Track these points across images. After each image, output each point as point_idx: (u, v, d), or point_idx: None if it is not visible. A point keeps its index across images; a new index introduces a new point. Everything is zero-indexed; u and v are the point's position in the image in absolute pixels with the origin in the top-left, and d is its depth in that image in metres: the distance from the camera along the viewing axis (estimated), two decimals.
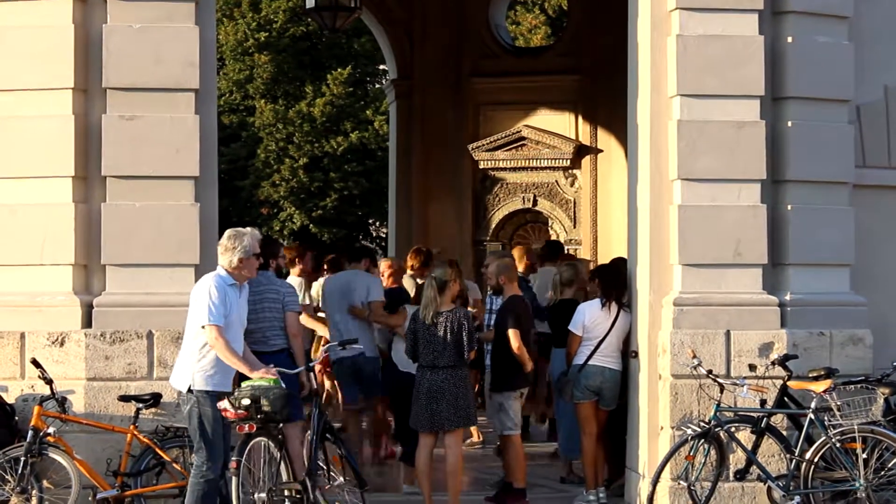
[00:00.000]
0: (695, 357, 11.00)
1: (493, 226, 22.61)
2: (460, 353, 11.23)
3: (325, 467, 10.69)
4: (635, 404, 11.71)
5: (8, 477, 10.38)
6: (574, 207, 22.29)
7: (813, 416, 10.85)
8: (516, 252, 15.14)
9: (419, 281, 13.48)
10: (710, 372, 10.97)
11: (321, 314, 14.31)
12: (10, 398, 10.82)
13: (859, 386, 11.14)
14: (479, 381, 14.73)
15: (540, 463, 13.80)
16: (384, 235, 36.96)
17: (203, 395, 9.63)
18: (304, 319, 14.14)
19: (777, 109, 11.66)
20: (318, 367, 10.78)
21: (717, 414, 10.92)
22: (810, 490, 10.79)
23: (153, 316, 10.93)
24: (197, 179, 11.11)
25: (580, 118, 22.16)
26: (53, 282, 10.99)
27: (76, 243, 10.97)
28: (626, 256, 12.51)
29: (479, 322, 13.16)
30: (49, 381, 10.57)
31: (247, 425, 9.48)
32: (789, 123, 11.61)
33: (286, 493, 9.94)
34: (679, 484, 11.01)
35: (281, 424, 9.95)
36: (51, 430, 10.45)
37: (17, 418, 10.74)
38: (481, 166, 22.57)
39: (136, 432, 10.64)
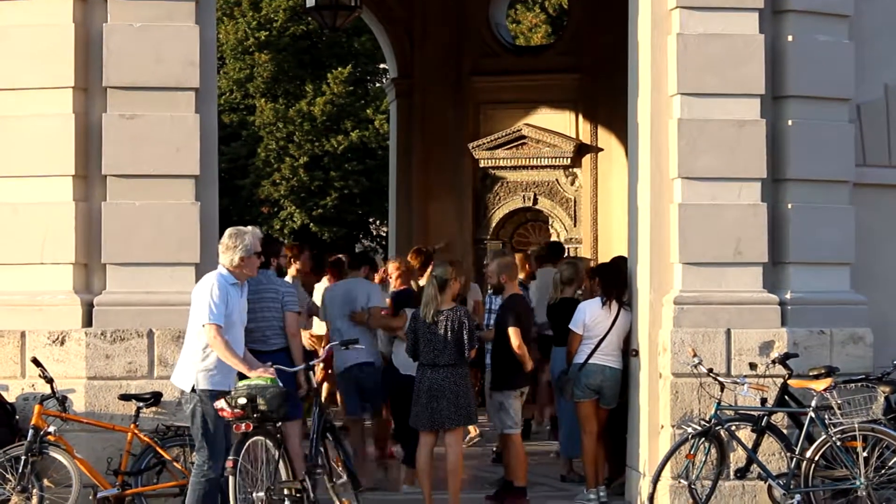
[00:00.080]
0: (695, 356, 11.00)
1: (494, 224, 22.62)
2: (461, 351, 11.23)
3: (325, 466, 10.69)
4: (636, 403, 11.71)
5: (8, 476, 10.38)
6: (574, 206, 22.30)
7: (813, 415, 10.85)
8: (517, 259, 15.12)
9: (421, 282, 13.47)
10: (710, 370, 10.97)
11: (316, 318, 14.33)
12: (10, 397, 10.83)
13: (860, 384, 11.14)
14: (478, 380, 14.73)
15: (540, 461, 13.79)
16: (384, 234, 36.96)
17: (206, 395, 9.63)
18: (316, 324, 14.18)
19: (777, 108, 11.66)
20: (319, 367, 10.74)
21: (718, 412, 10.93)
22: (811, 488, 10.80)
23: (154, 315, 10.93)
24: (197, 178, 11.11)
25: (580, 117, 22.17)
26: (54, 281, 10.99)
27: (77, 242, 10.97)
28: (626, 255, 12.51)
29: (478, 322, 13.16)
30: (50, 380, 10.57)
31: (243, 424, 9.47)
32: (790, 122, 11.61)
33: (285, 491, 9.92)
34: (680, 482, 11.01)
35: (280, 423, 9.94)
36: (51, 428, 10.45)
37: (17, 417, 10.74)
38: (482, 165, 22.57)
39: (136, 431, 10.65)
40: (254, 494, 9.65)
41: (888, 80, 12.49)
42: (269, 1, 36.68)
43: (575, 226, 22.22)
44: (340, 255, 15.92)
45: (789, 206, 11.59)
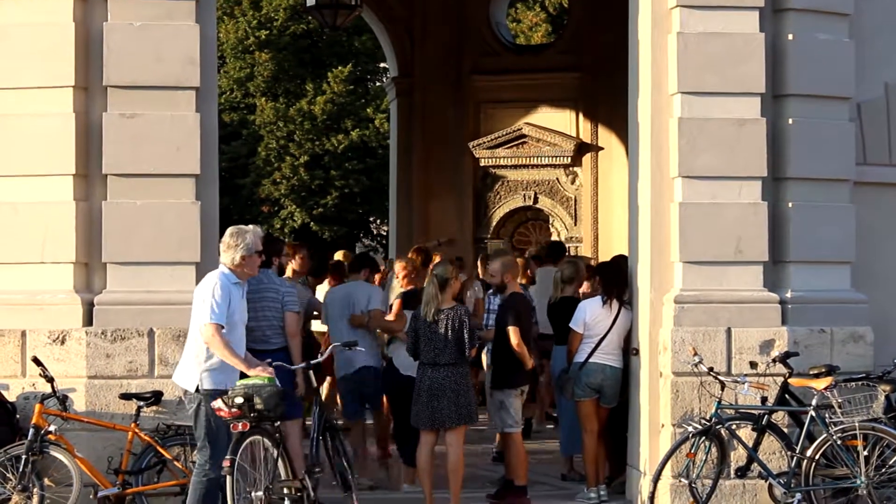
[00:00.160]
0: (696, 354, 11.00)
1: (494, 223, 22.64)
2: (461, 350, 11.23)
3: (324, 464, 10.69)
4: (636, 402, 11.71)
5: (9, 475, 10.38)
6: (575, 205, 22.31)
7: (814, 414, 10.85)
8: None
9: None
10: (711, 369, 10.97)
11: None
12: (11, 396, 10.82)
13: (860, 383, 11.14)
14: (476, 380, 14.72)
15: (541, 460, 13.79)
16: (385, 233, 36.97)
17: (209, 394, 9.62)
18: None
19: (778, 107, 11.65)
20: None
21: (718, 411, 10.92)
22: (811, 487, 10.79)
23: (154, 314, 10.93)
24: (198, 177, 11.11)
25: (581, 116, 22.19)
26: (54, 280, 10.99)
27: (77, 241, 10.97)
28: (626, 254, 12.51)
29: (478, 322, 13.15)
30: (50, 379, 10.57)
31: (240, 424, 9.47)
32: (790, 121, 11.61)
33: (285, 491, 9.91)
34: (680, 481, 11.01)
35: (278, 422, 9.94)
36: (52, 428, 10.45)
37: (18, 416, 10.74)
38: (482, 164, 22.59)
39: (137, 430, 10.65)
40: (252, 494, 9.64)
41: (888, 78, 12.48)
42: (269, 0, 36.68)
43: (575, 225, 22.23)
44: (340, 258, 15.90)
45: (790, 204, 11.59)
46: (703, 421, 10.92)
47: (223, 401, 9.50)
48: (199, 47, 11.09)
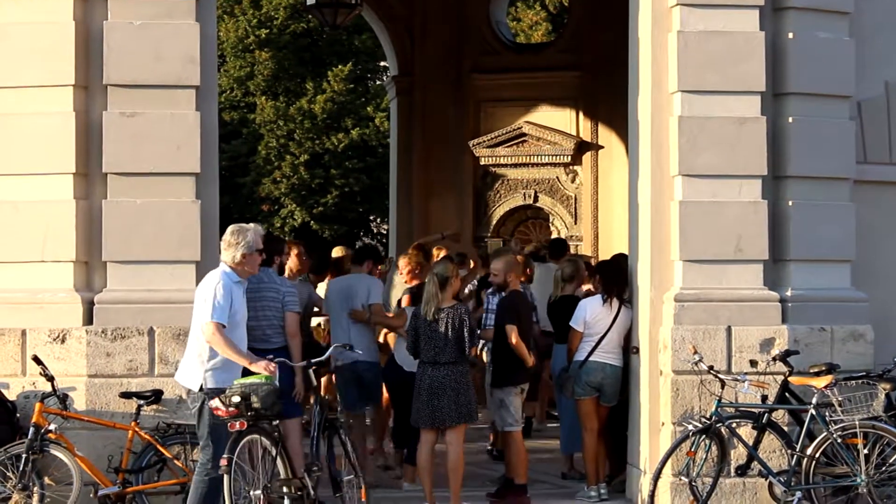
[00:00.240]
0: (696, 353, 11.00)
1: (494, 222, 22.62)
2: (461, 349, 11.23)
3: (324, 463, 10.67)
4: (636, 400, 11.71)
5: (9, 474, 10.38)
6: (575, 204, 22.30)
7: (814, 412, 10.85)
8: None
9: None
10: (711, 368, 10.97)
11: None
12: (11, 395, 10.82)
13: (860, 381, 11.14)
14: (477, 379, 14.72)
15: (541, 459, 13.79)
16: (385, 232, 36.98)
17: (213, 393, 9.62)
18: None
19: (778, 105, 11.66)
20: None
21: (719, 410, 10.92)
22: (811, 485, 10.80)
23: (154, 313, 10.93)
24: (198, 176, 11.11)
25: (581, 114, 22.18)
26: (54, 278, 10.99)
27: (77, 240, 10.97)
28: (627, 252, 12.51)
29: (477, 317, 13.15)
30: (50, 378, 10.57)
31: (237, 423, 9.47)
32: (790, 119, 11.61)
33: (284, 490, 9.90)
34: (680, 480, 11.01)
35: (276, 421, 9.93)
36: (52, 426, 10.44)
37: (18, 415, 10.74)
38: (482, 163, 22.58)
39: (137, 429, 10.65)
40: (251, 493, 9.63)
41: (889, 77, 12.48)
42: None
43: (575, 223, 22.23)
44: (338, 253, 15.88)
45: (790, 203, 11.59)
46: (703, 419, 10.92)
47: (220, 400, 9.50)
48: (199, 46, 11.09)
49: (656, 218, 11.55)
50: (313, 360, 10.80)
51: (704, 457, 10.94)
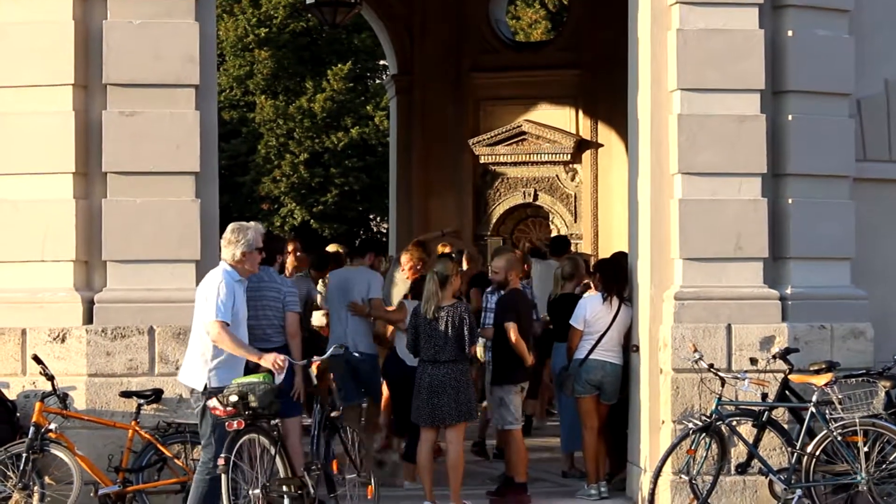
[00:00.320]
0: (696, 351, 11.00)
1: (494, 220, 22.62)
2: (461, 347, 11.24)
3: (324, 462, 10.67)
4: (636, 398, 11.71)
5: (10, 473, 10.38)
6: (575, 202, 22.30)
7: (814, 410, 10.85)
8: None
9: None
10: (711, 366, 10.97)
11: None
12: (11, 394, 10.83)
13: (860, 379, 11.14)
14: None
15: (541, 457, 13.79)
16: (385, 231, 36.98)
17: (217, 392, 9.61)
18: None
19: (777, 103, 11.66)
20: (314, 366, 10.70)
21: (719, 408, 10.92)
22: (812, 483, 10.79)
23: (154, 312, 10.93)
24: (197, 175, 11.11)
25: (580, 113, 22.17)
26: (54, 278, 10.99)
27: (77, 239, 10.97)
28: (626, 251, 12.51)
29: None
30: (50, 378, 10.57)
31: (235, 422, 9.46)
32: (790, 117, 11.61)
33: (284, 489, 9.89)
34: (680, 478, 11.01)
35: (276, 420, 9.92)
36: (52, 426, 10.44)
37: (18, 415, 10.74)
38: (482, 161, 22.57)
39: (137, 428, 10.65)
40: (250, 492, 9.63)
41: (888, 74, 12.48)
42: None
43: (575, 222, 22.22)
44: (338, 249, 15.90)
45: (790, 201, 11.59)
46: (703, 417, 10.92)
47: (218, 399, 9.50)
48: (198, 45, 11.08)
49: (656, 216, 11.55)
50: (313, 358, 10.80)
51: (705, 455, 10.93)
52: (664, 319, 11.42)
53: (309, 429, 10.99)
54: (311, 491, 10.25)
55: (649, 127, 11.61)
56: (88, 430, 10.75)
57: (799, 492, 10.78)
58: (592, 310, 12.01)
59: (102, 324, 10.93)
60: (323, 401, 10.86)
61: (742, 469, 11.15)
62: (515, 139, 22.41)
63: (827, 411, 10.80)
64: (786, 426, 11.12)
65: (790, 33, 11.62)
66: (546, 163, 22.42)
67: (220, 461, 9.34)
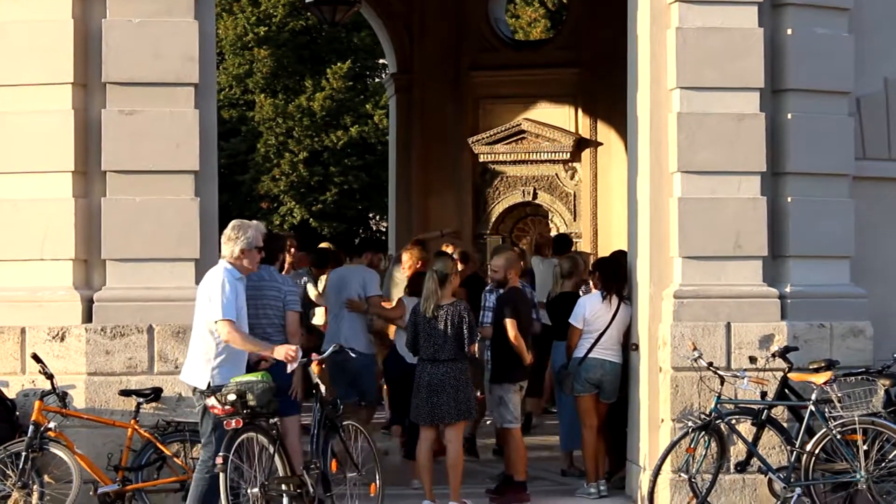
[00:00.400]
0: (695, 349, 11.01)
1: (494, 219, 22.61)
2: (461, 346, 11.24)
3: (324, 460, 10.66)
4: (636, 397, 11.72)
5: (9, 472, 10.38)
6: (574, 200, 22.29)
7: (813, 408, 10.85)
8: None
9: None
10: (710, 364, 10.97)
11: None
12: (10, 393, 10.83)
13: (860, 377, 11.15)
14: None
15: (541, 456, 13.79)
16: (384, 229, 36.98)
17: (218, 391, 9.61)
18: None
19: (777, 101, 11.66)
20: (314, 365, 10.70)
21: (718, 406, 10.92)
22: (811, 482, 10.79)
23: (154, 310, 10.93)
24: (197, 174, 11.11)
25: (580, 111, 22.16)
26: (54, 276, 10.99)
27: (76, 238, 10.97)
28: (626, 249, 12.51)
29: None
30: (50, 376, 10.57)
31: (233, 421, 9.46)
32: (789, 115, 11.61)
33: (283, 487, 9.89)
34: (680, 476, 11.02)
35: (275, 419, 9.92)
36: (52, 424, 10.45)
37: (17, 413, 10.74)
38: (481, 160, 22.56)
39: (136, 427, 10.65)
40: (248, 491, 9.62)
41: (888, 73, 12.49)
42: None
43: (574, 220, 22.22)
44: (330, 246, 15.95)
45: (789, 199, 11.59)
46: (702, 416, 10.93)
47: (216, 398, 9.50)
48: (197, 44, 11.08)
49: (655, 214, 11.55)
50: (312, 357, 10.79)
51: (704, 453, 10.94)
52: (663, 318, 11.43)
53: (308, 428, 10.99)
54: (311, 490, 10.24)
55: (648, 125, 11.61)
56: (88, 429, 10.75)
57: (798, 490, 10.78)
58: (592, 308, 12.01)
59: (102, 322, 10.93)
60: (323, 399, 10.85)
61: (741, 467, 11.15)
62: (515, 138, 22.40)
63: (826, 410, 10.80)
64: (785, 424, 11.12)
65: (789, 31, 11.62)
66: (545, 161, 22.41)
67: (218, 460, 9.34)
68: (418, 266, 13.25)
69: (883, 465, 10.73)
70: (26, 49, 11.02)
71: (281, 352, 9.74)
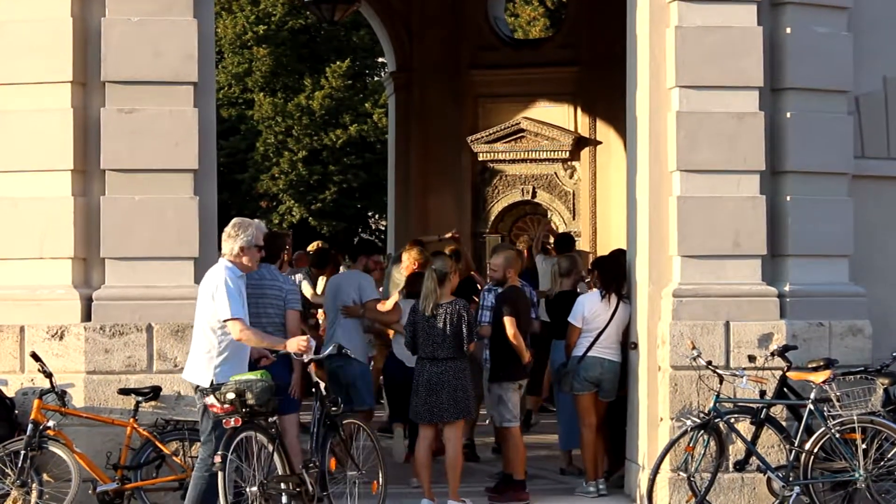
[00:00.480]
0: (694, 348, 11.01)
1: (493, 218, 22.62)
2: (460, 345, 11.24)
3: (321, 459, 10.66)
4: (635, 395, 11.72)
5: (8, 470, 10.38)
6: (573, 199, 22.30)
7: (812, 407, 10.85)
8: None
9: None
10: (709, 363, 10.98)
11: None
12: (9, 392, 10.82)
13: (859, 376, 11.16)
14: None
15: (540, 455, 13.79)
16: (383, 228, 36.98)
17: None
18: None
19: (776, 100, 11.66)
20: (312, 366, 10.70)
21: (717, 405, 10.93)
22: (810, 481, 10.80)
23: (152, 309, 10.93)
24: (196, 172, 11.11)
25: (579, 110, 22.17)
26: (53, 275, 10.99)
27: (75, 237, 10.97)
28: (625, 248, 12.51)
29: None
30: (49, 375, 10.57)
31: (233, 419, 9.46)
32: (788, 114, 11.61)
33: (282, 486, 9.89)
34: (679, 475, 11.02)
35: (274, 418, 9.91)
36: (51, 423, 10.45)
37: (16, 412, 10.74)
38: (480, 158, 22.57)
39: (135, 425, 10.64)
40: (247, 489, 9.62)
41: (887, 71, 12.48)
42: None
43: (574, 219, 22.23)
44: (314, 247, 15.95)
45: (788, 198, 11.60)
46: (701, 414, 10.93)
47: (216, 397, 9.50)
48: (196, 42, 11.08)
49: (654, 213, 11.55)
50: (312, 357, 10.78)
51: (703, 452, 10.94)
52: (662, 316, 11.43)
53: (307, 426, 11.00)
54: (310, 488, 10.23)
55: (648, 124, 11.61)
56: (87, 428, 10.75)
57: (797, 489, 10.79)
58: (591, 307, 12.01)
59: (101, 321, 10.92)
60: (323, 398, 10.84)
61: (740, 466, 11.15)
62: (514, 136, 22.41)
63: (825, 408, 10.80)
64: (784, 423, 11.12)
65: (788, 30, 11.62)
66: (544, 160, 22.42)
67: (217, 459, 9.33)
68: (415, 267, 13.24)
69: (882, 463, 10.74)
70: (25, 47, 11.02)
71: (293, 344, 9.80)
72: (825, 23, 11.77)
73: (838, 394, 10.80)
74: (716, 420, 10.91)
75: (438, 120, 22.29)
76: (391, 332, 13.36)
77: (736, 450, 11.18)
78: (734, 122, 11.42)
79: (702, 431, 10.87)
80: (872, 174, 12.27)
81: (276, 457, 9.83)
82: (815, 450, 10.78)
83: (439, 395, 11.23)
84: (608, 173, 21.57)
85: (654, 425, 11.42)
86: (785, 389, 11.13)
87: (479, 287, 13.70)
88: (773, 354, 11.14)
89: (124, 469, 10.61)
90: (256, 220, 10.14)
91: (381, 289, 14.56)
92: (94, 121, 11.05)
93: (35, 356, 10.61)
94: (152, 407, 10.79)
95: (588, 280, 14.09)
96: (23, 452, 10.36)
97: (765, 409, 11.03)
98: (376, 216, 39.96)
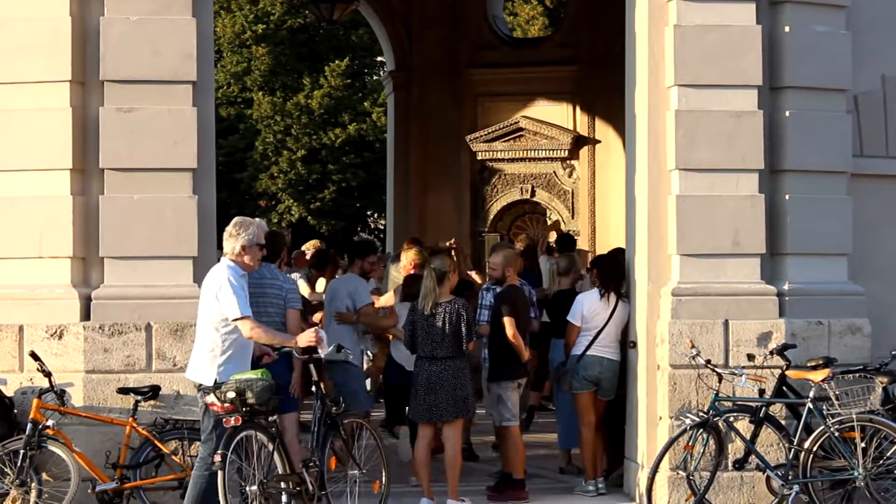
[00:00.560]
0: (693, 347, 11.01)
1: (492, 217, 22.63)
2: (459, 344, 11.23)
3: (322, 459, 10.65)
4: (634, 394, 11.71)
5: (7, 470, 10.37)
6: (572, 198, 22.31)
7: (811, 406, 10.85)
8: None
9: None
10: (708, 362, 10.98)
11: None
12: (8, 391, 10.82)
13: (858, 375, 11.15)
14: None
15: (539, 454, 13.79)
16: (382, 227, 36.98)
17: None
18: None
19: (775, 99, 11.66)
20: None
21: (716, 404, 10.93)
22: (809, 479, 10.80)
23: (151, 308, 10.92)
24: (195, 172, 11.10)
25: (578, 109, 22.19)
26: (52, 274, 10.99)
27: (74, 236, 10.96)
28: (624, 247, 12.51)
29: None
30: (48, 374, 10.57)
31: (233, 418, 9.46)
32: (787, 113, 11.61)
33: (282, 485, 9.89)
34: (678, 473, 11.02)
35: (274, 417, 9.91)
36: (50, 422, 10.44)
37: (15, 411, 10.73)
38: (479, 157, 22.58)
39: (134, 424, 10.64)
40: (247, 489, 9.62)
41: (886, 70, 12.48)
42: None
43: (573, 218, 22.24)
44: (310, 246, 15.94)
45: (787, 197, 11.60)
46: (700, 413, 10.93)
47: (216, 395, 9.49)
48: (195, 41, 11.07)
49: (653, 212, 11.55)
50: (312, 357, 10.78)
51: (702, 451, 10.94)
52: (661, 315, 11.43)
53: (307, 425, 10.99)
54: (310, 487, 10.23)
55: (647, 123, 11.61)
56: (86, 427, 10.74)
57: (796, 487, 10.79)
58: (590, 306, 12.01)
59: (100, 320, 10.92)
60: (323, 397, 10.84)
61: (739, 465, 11.16)
62: (513, 135, 22.43)
63: (824, 407, 10.81)
64: (783, 422, 11.13)
65: (787, 29, 11.62)
66: (543, 159, 22.44)
67: (217, 458, 9.34)
68: (412, 269, 13.24)
69: (881, 462, 10.74)
70: (24, 46, 11.00)
71: (304, 338, 9.81)
72: (824, 22, 11.77)
73: (837, 392, 10.81)
74: (715, 419, 10.91)
75: (437, 119, 22.30)
76: (390, 335, 13.36)
77: (735, 448, 11.19)
78: (733, 120, 11.42)
79: (701, 430, 10.87)
80: (871, 173, 12.27)
81: (276, 456, 9.83)
82: (815, 448, 10.78)
83: (438, 394, 11.22)
84: (607, 172, 21.58)
85: (653, 424, 11.42)
86: (784, 388, 11.13)
87: (476, 286, 13.68)
88: (772, 353, 11.14)
89: (123, 468, 10.60)
90: (258, 219, 10.14)
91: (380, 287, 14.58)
92: (92, 120, 11.04)
93: (34, 355, 10.60)
94: (151, 406, 10.79)
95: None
96: (22, 452, 10.36)
97: (764, 408, 11.03)
98: (375, 215, 39.96)
